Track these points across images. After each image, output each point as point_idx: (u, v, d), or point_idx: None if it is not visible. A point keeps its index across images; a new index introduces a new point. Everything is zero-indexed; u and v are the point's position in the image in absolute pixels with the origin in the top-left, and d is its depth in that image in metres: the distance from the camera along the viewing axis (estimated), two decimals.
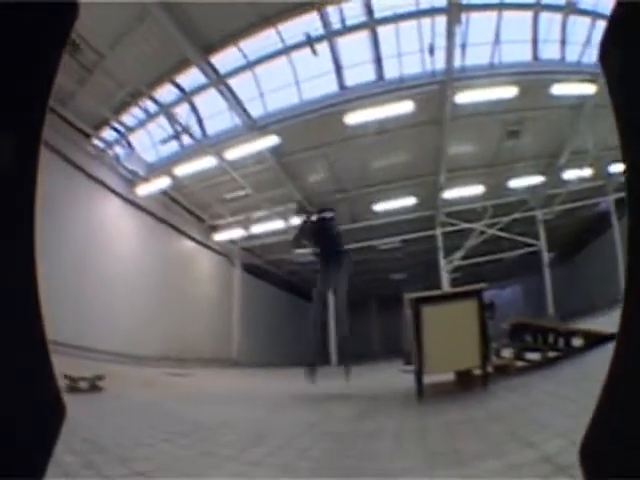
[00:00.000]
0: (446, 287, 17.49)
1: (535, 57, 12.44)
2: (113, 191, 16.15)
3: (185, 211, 20.04)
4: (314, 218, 7.43)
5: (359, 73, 12.68)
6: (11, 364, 1.02)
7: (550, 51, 12.50)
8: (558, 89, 12.41)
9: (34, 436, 1.08)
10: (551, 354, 6.30)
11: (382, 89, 12.44)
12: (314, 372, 7.10)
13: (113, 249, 15.76)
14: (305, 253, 22.87)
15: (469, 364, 5.47)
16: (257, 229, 19.80)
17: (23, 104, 1.06)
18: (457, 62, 11.70)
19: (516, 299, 28.66)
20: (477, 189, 16.75)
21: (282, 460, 2.88)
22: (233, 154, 14.19)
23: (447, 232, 18.85)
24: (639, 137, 1.08)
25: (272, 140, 13.32)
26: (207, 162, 14.70)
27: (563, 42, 12.15)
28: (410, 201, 17.60)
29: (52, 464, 2.27)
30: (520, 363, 6.67)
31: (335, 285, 7.17)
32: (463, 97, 11.89)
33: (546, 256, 18.11)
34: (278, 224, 19.17)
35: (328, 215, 7.51)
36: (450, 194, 16.89)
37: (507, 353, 7.46)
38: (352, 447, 3.24)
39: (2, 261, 1.02)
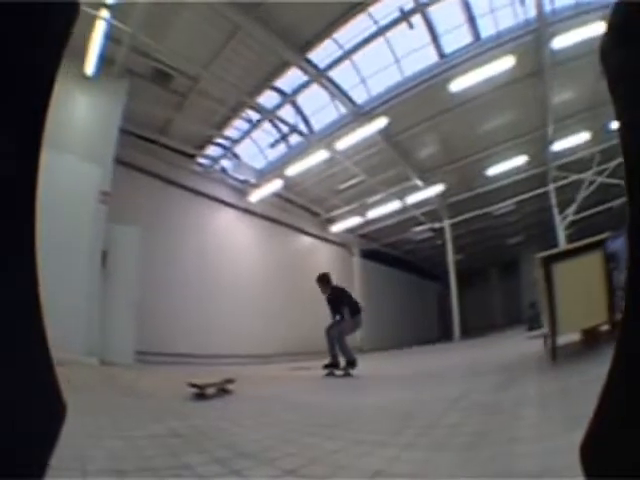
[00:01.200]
0: (563, 244, 16.99)
1: None
2: (225, 203, 16.84)
3: (299, 208, 20.44)
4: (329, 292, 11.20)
5: (456, 38, 12.46)
6: (11, 362, 1.01)
7: None
8: None
9: (34, 435, 1.06)
10: None
11: (481, 49, 12.19)
12: (332, 371, 10.03)
13: (230, 258, 16.40)
14: (420, 231, 23.01)
15: (598, 320, 5.30)
16: (373, 214, 19.80)
17: (23, 104, 1.05)
18: (547, 6, 11.39)
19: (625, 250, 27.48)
20: (583, 136, 16.16)
21: (435, 439, 2.90)
22: (343, 144, 14.28)
23: (559, 187, 18.28)
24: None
25: (381, 122, 13.29)
26: (318, 157, 14.86)
27: None
28: (521, 160, 17.13)
29: (200, 476, 2.33)
30: None
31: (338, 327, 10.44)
32: (558, 42, 11.55)
33: None
34: (394, 205, 19.12)
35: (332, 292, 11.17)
36: (558, 146, 16.39)
37: None
38: (500, 419, 3.26)
39: (2, 261, 1.01)
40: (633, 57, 1.02)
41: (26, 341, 1.07)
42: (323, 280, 11.40)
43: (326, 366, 10.10)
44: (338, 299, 10.95)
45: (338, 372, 9.71)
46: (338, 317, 10.73)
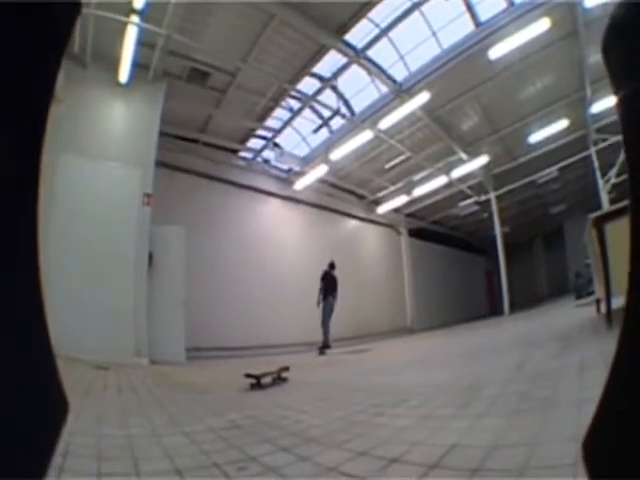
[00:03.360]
0: (607, 209, 16.82)
1: None
2: (269, 193, 17.20)
3: (345, 192, 20.66)
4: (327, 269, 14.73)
5: (490, 5, 12.47)
6: (12, 361, 0.99)
7: None
8: None
9: (36, 434, 1.03)
10: None
11: (516, 14, 12.18)
12: (324, 351, 13.04)
13: (276, 248, 16.82)
14: (466, 205, 23.00)
15: None
16: (419, 191, 19.82)
17: (24, 104, 1.03)
18: None
19: None
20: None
21: (506, 407, 2.85)
22: (386, 123, 14.31)
23: (599, 150, 18.12)
24: None
25: (422, 98, 13.31)
26: (362, 138, 14.90)
27: None
28: (561, 125, 16.97)
29: (268, 467, 2.28)
30: None
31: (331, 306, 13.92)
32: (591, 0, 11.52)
33: None
34: (441, 180, 19.12)
35: (328, 267, 14.85)
36: (597, 107, 16.25)
37: None
38: (567, 382, 3.17)
39: (3, 260, 0.99)
40: (634, 51, 1.03)
41: (28, 340, 1.06)
42: (333, 266, 14.97)
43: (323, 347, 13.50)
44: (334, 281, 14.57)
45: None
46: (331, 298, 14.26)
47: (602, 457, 1.05)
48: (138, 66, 10.70)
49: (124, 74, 10.43)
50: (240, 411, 4.15)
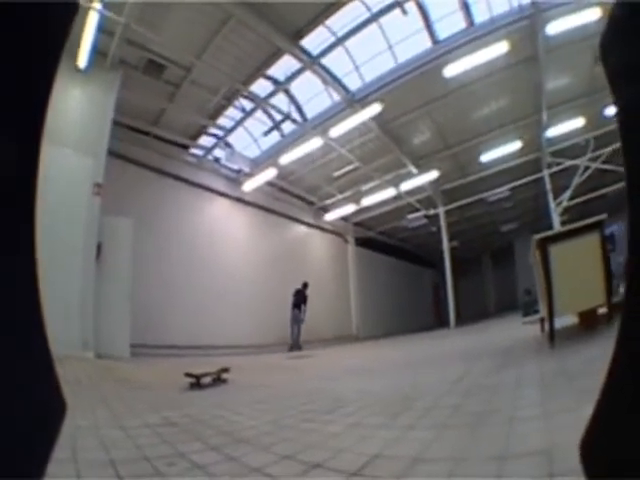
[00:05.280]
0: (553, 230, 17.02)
1: None
2: (218, 192, 16.89)
3: (293, 197, 20.56)
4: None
5: (450, 24, 12.39)
6: (11, 361, 0.98)
7: None
8: None
9: (34, 434, 1.03)
10: None
11: (475, 35, 12.14)
12: (292, 350, 15.13)
13: (223, 248, 16.55)
14: (415, 218, 23.08)
15: (596, 302, 5.32)
16: (368, 201, 19.77)
17: (23, 103, 1.03)
18: None
19: (622, 235, 27.64)
20: (578, 122, 16.15)
21: (437, 420, 2.89)
22: (337, 131, 14.15)
23: (553, 173, 18.29)
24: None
25: (374, 109, 13.18)
26: (312, 144, 14.77)
27: None
28: (515, 146, 17.12)
29: (192, 462, 2.39)
30: None
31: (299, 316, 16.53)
32: (553, 28, 11.51)
33: None
34: (389, 192, 19.08)
35: (301, 287, 17.46)
36: (553, 132, 16.39)
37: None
38: (501, 398, 3.25)
39: (3, 260, 0.98)
40: (634, 55, 0.98)
41: (26, 340, 1.05)
42: (306, 286, 17.55)
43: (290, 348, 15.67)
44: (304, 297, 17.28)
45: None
46: (297, 311, 16.84)
47: (599, 458, 1.06)
48: (96, 53, 10.27)
49: (83, 60, 9.95)
50: (177, 409, 4.34)
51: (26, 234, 1.07)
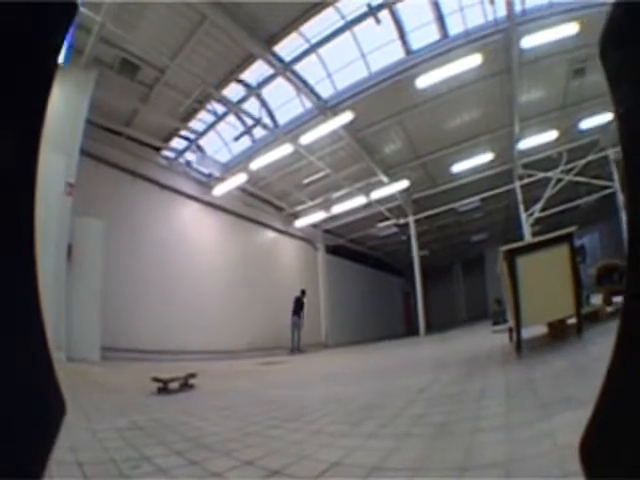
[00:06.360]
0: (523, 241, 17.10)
1: None
2: (188, 196, 16.74)
3: (264, 203, 20.49)
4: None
5: (424, 35, 12.38)
6: (10, 359, 1.00)
7: None
8: None
9: (33, 433, 1.06)
10: None
11: (448, 47, 12.17)
12: (293, 353, 16.26)
13: (193, 253, 16.32)
14: (385, 227, 23.17)
15: (564, 312, 5.43)
16: (338, 209, 19.85)
17: (23, 103, 1.06)
18: (518, 6, 11.36)
19: (594, 246, 27.93)
20: (551, 135, 16.28)
21: (399, 429, 2.90)
22: (308, 138, 14.13)
23: (525, 184, 18.45)
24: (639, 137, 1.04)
25: (346, 117, 13.17)
26: (282, 151, 14.72)
27: None
28: (487, 157, 17.24)
29: (156, 465, 2.45)
30: (609, 308, 6.71)
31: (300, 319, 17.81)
32: (528, 41, 11.56)
33: (621, 197, 17.40)
34: (359, 200, 19.12)
35: (300, 294, 18.99)
36: (525, 144, 16.51)
37: (595, 299, 7.55)
38: (465, 408, 3.25)
39: (3, 260, 1.01)
40: (633, 55, 0.99)
41: (26, 340, 1.07)
42: (304, 293, 19.12)
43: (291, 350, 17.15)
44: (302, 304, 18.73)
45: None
46: (296, 317, 18.25)
47: (599, 458, 1.05)
48: (72, 49, 10.09)
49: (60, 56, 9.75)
50: (144, 413, 4.45)
51: (26, 234, 1.08)
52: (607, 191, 17.68)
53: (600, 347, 4.38)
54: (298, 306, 18.67)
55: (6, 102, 0.98)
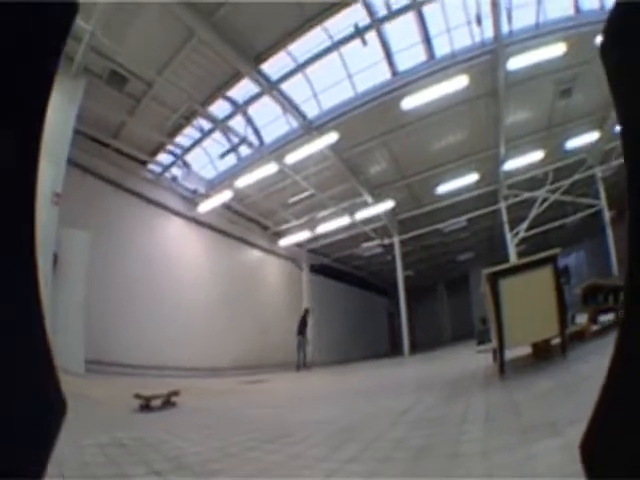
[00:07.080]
0: (514, 261, 17.14)
1: (577, 9, 11.95)
2: (174, 212, 16.65)
3: (249, 221, 20.43)
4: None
5: (410, 56, 12.43)
6: (10, 358, 1.01)
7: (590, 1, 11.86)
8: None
9: (34, 433, 1.06)
10: None
11: (435, 68, 12.20)
12: (299, 369, 16.70)
13: (178, 269, 16.19)
14: (370, 247, 23.20)
15: (548, 333, 5.44)
16: (323, 228, 19.69)
17: (23, 104, 1.06)
18: (505, 28, 11.41)
19: (580, 264, 28.05)
20: (536, 155, 16.35)
21: (379, 453, 2.84)
22: (293, 157, 14.09)
23: (511, 205, 18.51)
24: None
25: (331, 137, 13.14)
26: (268, 169, 14.66)
27: None
28: (472, 178, 17.30)
29: None
30: (595, 327, 6.79)
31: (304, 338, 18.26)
32: (515, 63, 11.61)
33: (607, 215, 17.52)
34: (344, 220, 19.04)
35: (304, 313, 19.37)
36: (511, 165, 16.57)
37: (581, 318, 7.55)
38: (446, 432, 3.20)
39: (2, 260, 1.01)
40: (633, 55, 1.01)
41: (26, 340, 1.08)
42: (307, 312, 19.83)
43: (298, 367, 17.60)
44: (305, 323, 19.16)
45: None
46: (301, 337, 18.63)
47: (599, 458, 1.07)
48: (63, 57, 9.94)
49: None
50: (127, 430, 4.51)
51: (26, 234, 1.10)
52: (593, 209, 17.81)
53: (586, 365, 4.43)
54: (302, 325, 19.01)
55: (6, 102, 0.99)
